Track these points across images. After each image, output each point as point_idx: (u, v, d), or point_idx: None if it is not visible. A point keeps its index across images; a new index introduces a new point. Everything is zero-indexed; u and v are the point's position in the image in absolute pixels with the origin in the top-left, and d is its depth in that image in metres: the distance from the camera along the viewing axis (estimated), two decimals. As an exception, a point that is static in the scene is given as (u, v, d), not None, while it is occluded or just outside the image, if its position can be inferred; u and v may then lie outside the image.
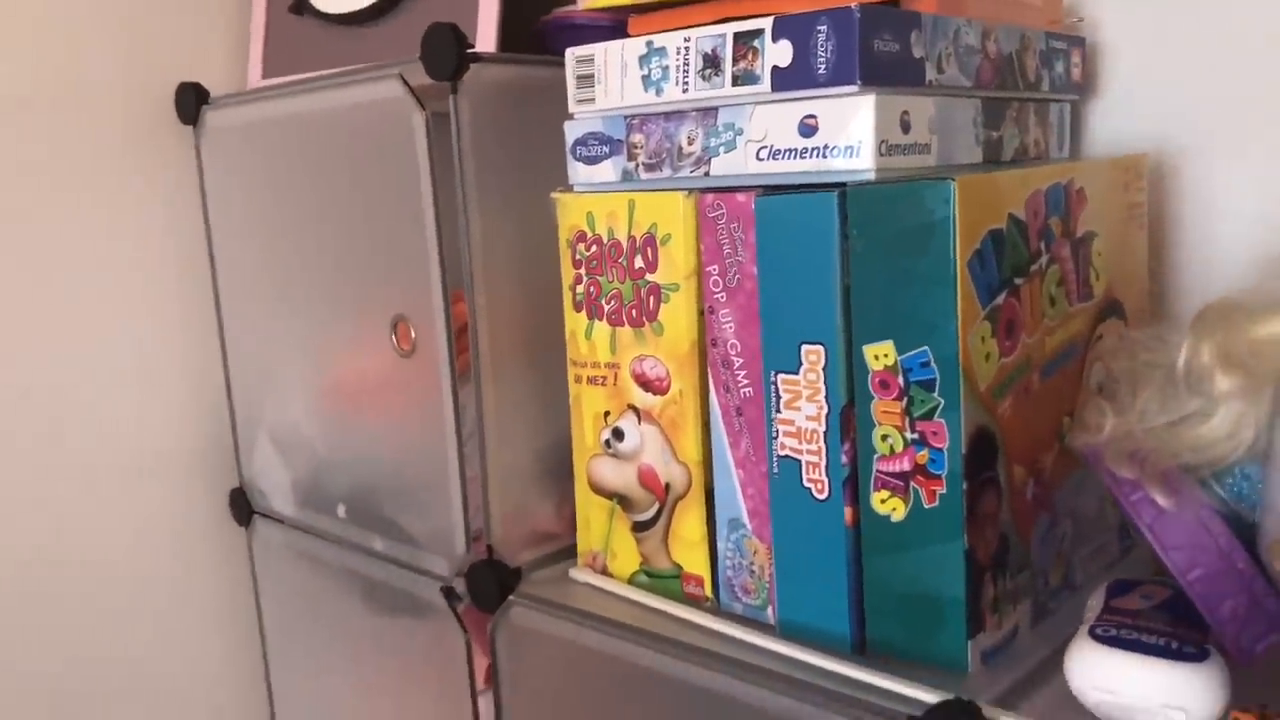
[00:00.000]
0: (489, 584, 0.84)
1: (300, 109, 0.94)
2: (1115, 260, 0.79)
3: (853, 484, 0.67)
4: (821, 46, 0.65)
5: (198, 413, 1.15)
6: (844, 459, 0.67)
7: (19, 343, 1.03)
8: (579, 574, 0.84)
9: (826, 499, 0.68)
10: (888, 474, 0.65)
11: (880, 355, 0.64)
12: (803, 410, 0.68)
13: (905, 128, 0.66)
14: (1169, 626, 0.59)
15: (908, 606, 0.66)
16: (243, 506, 1.14)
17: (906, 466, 0.64)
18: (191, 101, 1.06)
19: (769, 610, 0.73)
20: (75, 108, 1.05)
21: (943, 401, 0.62)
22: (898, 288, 0.63)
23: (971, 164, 0.73)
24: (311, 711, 1.15)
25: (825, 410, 0.67)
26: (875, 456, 0.65)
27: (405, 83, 0.81)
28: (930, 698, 0.59)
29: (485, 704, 0.91)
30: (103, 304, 1.08)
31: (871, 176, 0.64)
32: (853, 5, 0.63)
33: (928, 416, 0.63)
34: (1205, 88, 0.86)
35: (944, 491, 0.63)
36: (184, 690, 1.17)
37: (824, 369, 0.67)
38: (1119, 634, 0.58)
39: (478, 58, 0.81)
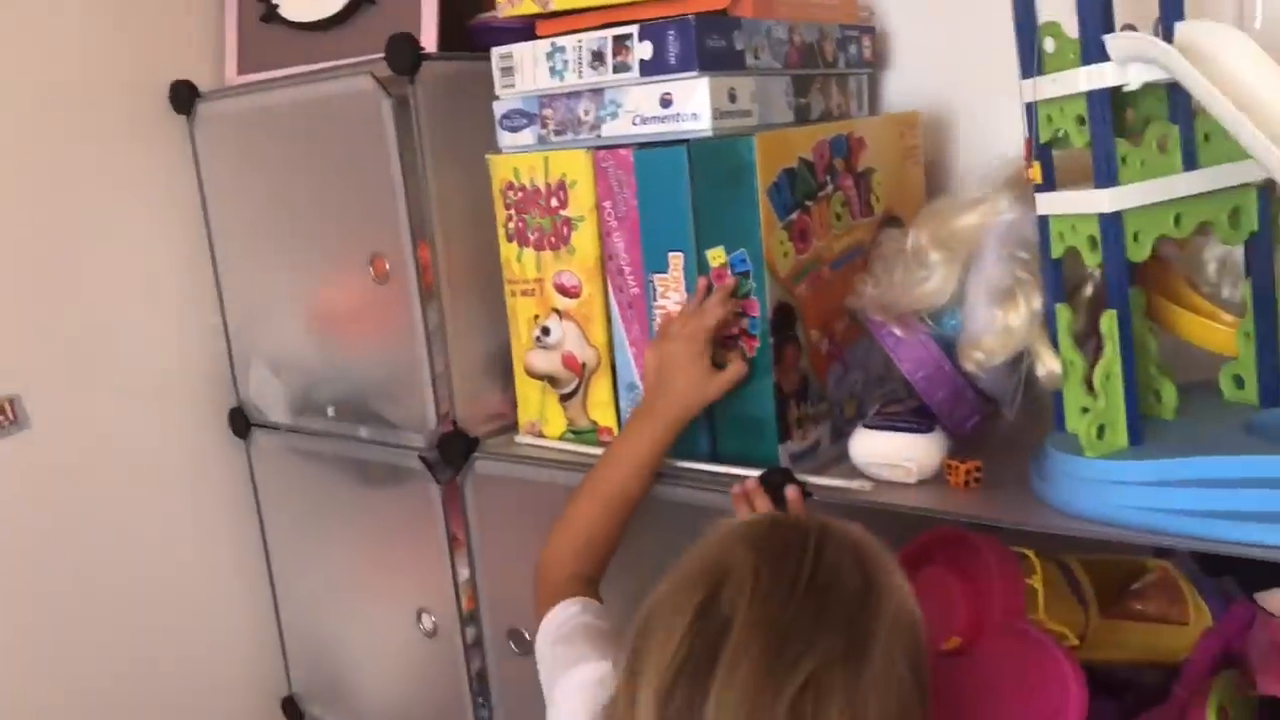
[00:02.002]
0: (456, 449, 1.14)
1: (285, 99, 1.21)
2: (894, 188, 1.09)
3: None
4: (671, 45, 0.94)
5: (198, 347, 1.39)
6: (701, 329, 0.97)
7: (57, 294, 1.28)
8: (522, 438, 1.14)
9: (691, 358, 0.98)
10: (726, 337, 0.96)
11: (716, 256, 0.94)
12: (671, 299, 0.98)
13: (733, 99, 0.96)
14: (913, 417, 0.91)
15: (741, 426, 0.97)
16: (241, 421, 1.40)
17: (736, 331, 0.95)
18: (185, 96, 1.31)
19: (658, 445, 1.04)
20: (88, 104, 1.29)
21: (755, 285, 0.93)
22: (725, 209, 0.93)
23: (785, 123, 1.03)
24: (309, 588, 1.42)
25: (686, 297, 0.97)
26: (720, 325, 0.96)
27: (375, 78, 1.08)
28: (758, 472, 0.90)
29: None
30: (118, 262, 1.32)
31: (709, 134, 0.94)
32: (690, 16, 0.93)
33: (747, 295, 0.93)
34: (968, 59, 1.14)
35: (759, 345, 0.94)
36: (196, 579, 1.42)
37: (683, 268, 0.97)
38: (879, 421, 0.90)
39: (428, 57, 1.08)
